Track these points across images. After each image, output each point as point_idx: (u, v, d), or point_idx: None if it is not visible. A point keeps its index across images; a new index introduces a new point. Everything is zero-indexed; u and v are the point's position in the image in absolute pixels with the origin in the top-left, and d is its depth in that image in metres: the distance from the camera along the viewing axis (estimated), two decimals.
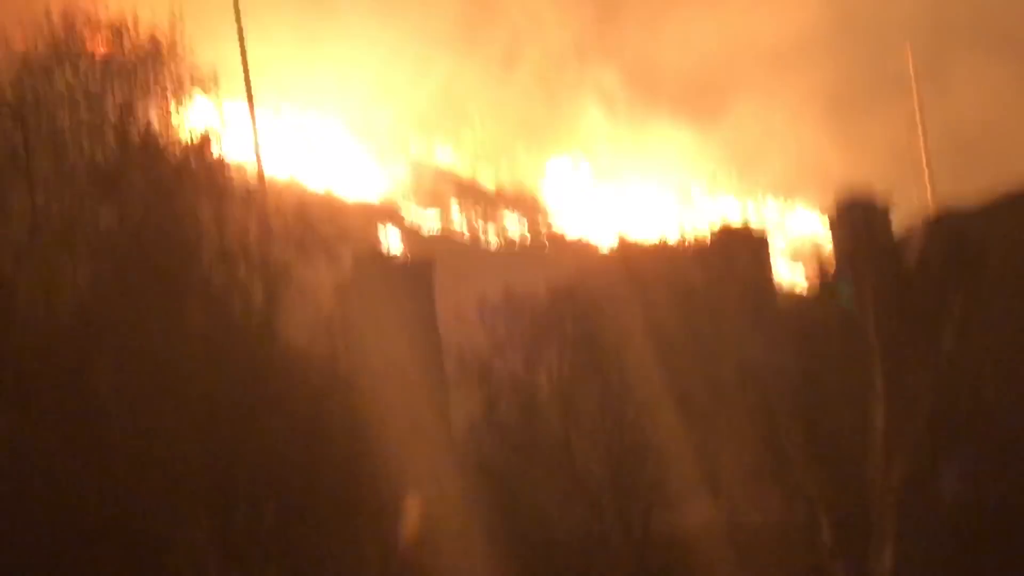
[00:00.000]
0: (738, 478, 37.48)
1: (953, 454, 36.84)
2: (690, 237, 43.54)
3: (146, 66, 31.86)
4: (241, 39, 66.19)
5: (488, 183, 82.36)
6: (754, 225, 47.73)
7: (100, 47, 31.74)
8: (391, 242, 67.05)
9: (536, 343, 38.48)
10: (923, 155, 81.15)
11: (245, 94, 65.80)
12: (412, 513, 33.56)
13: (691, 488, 37.61)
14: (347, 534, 31.71)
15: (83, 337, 29.77)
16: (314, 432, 30.97)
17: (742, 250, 42.74)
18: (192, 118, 32.29)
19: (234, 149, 33.13)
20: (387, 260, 43.77)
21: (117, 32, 31.74)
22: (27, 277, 30.03)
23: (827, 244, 43.35)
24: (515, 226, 77.45)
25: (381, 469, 32.53)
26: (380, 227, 69.88)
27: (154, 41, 31.82)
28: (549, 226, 79.10)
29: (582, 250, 73.98)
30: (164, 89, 31.88)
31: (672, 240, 44.22)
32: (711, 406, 37.91)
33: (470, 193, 79.96)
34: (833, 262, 41.20)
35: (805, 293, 43.61)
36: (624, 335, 39.09)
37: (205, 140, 32.14)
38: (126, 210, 30.83)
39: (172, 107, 31.96)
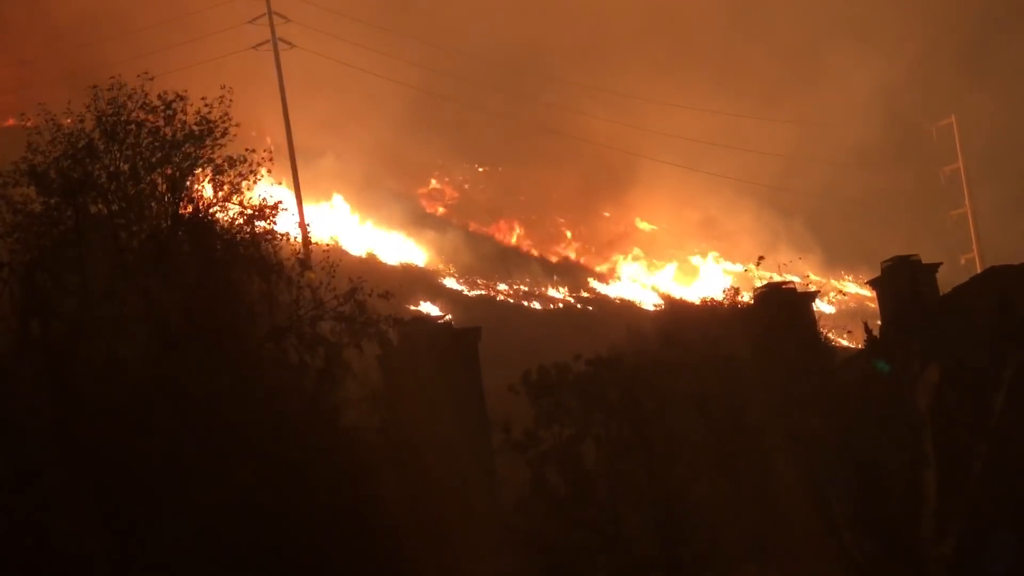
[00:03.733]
0: (788, 547, 37.15)
1: (1006, 522, 36.37)
2: (735, 297, 43.24)
3: (194, 142, 32.04)
4: (286, 114, 66.90)
5: (532, 247, 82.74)
6: (799, 286, 47.47)
7: (148, 123, 31.93)
8: (435, 306, 67.13)
9: (581, 412, 38.30)
10: (969, 215, 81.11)
11: (290, 167, 66.47)
12: None
13: (741, 557, 37.30)
14: None
15: (136, 411, 29.89)
16: (363, 507, 30.93)
17: (787, 309, 42.39)
18: (240, 193, 32.41)
19: (280, 221, 33.19)
20: (433, 326, 43.52)
21: (164, 109, 31.91)
22: (83, 352, 30.19)
23: (874, 306, 43.06)
24: (559, 288, 77.54)
25: (430, 542, 32.42)
26: (424, 291, 70.04)
27: (201, 117, 31.99)
28: (593, 289, 79.21)
29: (627, 311, 73.95)
30: (212, 165, 32.04)
31: (716, 300, 43.86)
32: (759, 474, 37.64)
33: (514, 256, 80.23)
34: (879, 324, 40.92)
35: (852, 355, 43.30)
36: (670, 401, 38.86)
37: (253, 214, 32.28)
38: (177, 285, 30.95)
39: (220, 183, 32.10)
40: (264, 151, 32.12)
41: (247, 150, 32.07)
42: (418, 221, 78.49)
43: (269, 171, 32.14)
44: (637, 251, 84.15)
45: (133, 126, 31.49)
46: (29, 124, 31.54)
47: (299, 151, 68.55)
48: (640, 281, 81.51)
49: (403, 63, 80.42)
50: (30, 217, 30.56)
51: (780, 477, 37.64)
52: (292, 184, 67.77)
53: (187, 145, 31.53)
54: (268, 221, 31.70)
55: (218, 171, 31.54)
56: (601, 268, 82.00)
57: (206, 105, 31.53)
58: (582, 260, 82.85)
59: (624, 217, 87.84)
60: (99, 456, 28.93)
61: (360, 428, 32.66)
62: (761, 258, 42.49)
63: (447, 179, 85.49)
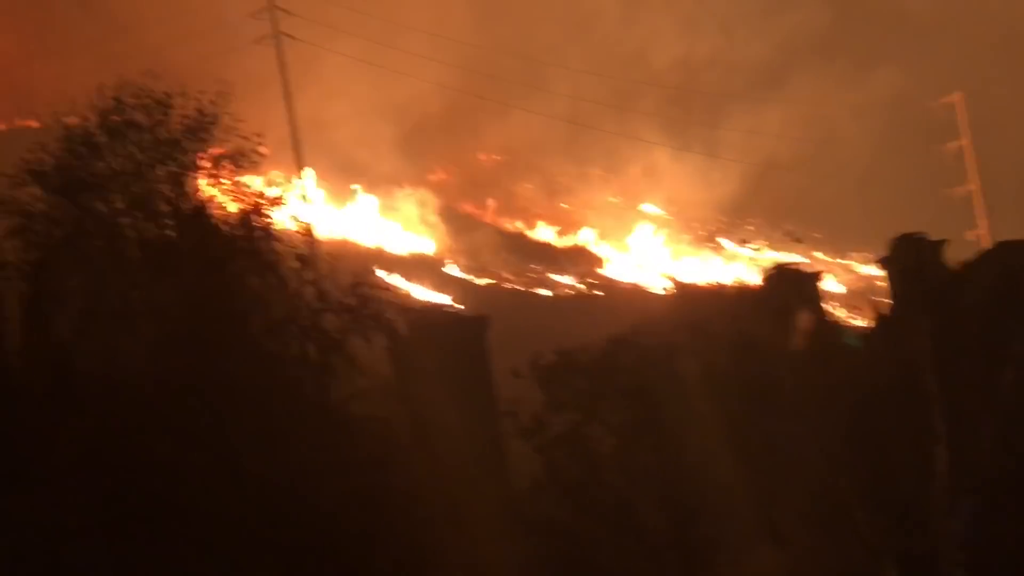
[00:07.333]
0: (800, 528, 37.17)
1: (1018, 494, 36.39)
2: (743, 279, 43.33)
3: (196, 139, 32.06)
4: (289, 106, 67.10)
5: (539, 234, 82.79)
6: (806, 267, 47.55)
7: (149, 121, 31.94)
8: (444, 295, 67.21)
9: (592, 397, 38.30)
10: (975, 192, 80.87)
11: (295, 160, 66.61)
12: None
13: (754, 539, 37.32)
14: None
15: (141, 409, 29.95)
16: (373, 498, 30.98)
17: (795, 290, 42.52)
18: (243, 188, 32.43)
19: (286, 216, 33.21)
20: (441, 315, 43.66)
21: (166, 106, 31.93)
22: (86, 352, 30.25)
23: (883, 284, 43.09)
24: (568, 275, 77.56)
25: (441, 532, 32.48)
26: (433, 280, 70.14)
27: (204, 114, 32.00)
28: (601, 274, 79.19)
29: (636, 296, 73.92)
30: (215, 161, 32.06)
31: (725, 283, 43.96)
32: (770, 454, 37.65)
33: (522, 243, 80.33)
34: (888, 302, 40.97)
35: (862, 333, 43.35)
36: (680, 385, 38.90)
37: (256, 210, 32.29)
38: (181, 283, 30.98)
39: (222, 179, 32.12)
40: (257, 140, 31.94)
41: (246, 139, 31.93)
42: (426, 211, 78.59)
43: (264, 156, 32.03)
44: (659, 232, 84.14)
45: (134, 124, 31.50)
46: (38, 125, 31.67)
47: (305, 145, 68.60)
48: (653, 268, 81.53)
49: (407, 55, 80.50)
50: (33, 217, 30.63)
51: (791, 458, 37.66)
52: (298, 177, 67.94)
53: (187, 142, 31.53)
54: (266, 215, 31.66)
55: (218, 166, 31.53)
56: (613, 252, 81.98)
57: (207, 101, 31.46)
58: (596, 246, 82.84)
59: (630, 204, 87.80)
60: (103, 454, 28.99)
61: (370, 419, 32.68)
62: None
63: (454, 168, 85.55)
